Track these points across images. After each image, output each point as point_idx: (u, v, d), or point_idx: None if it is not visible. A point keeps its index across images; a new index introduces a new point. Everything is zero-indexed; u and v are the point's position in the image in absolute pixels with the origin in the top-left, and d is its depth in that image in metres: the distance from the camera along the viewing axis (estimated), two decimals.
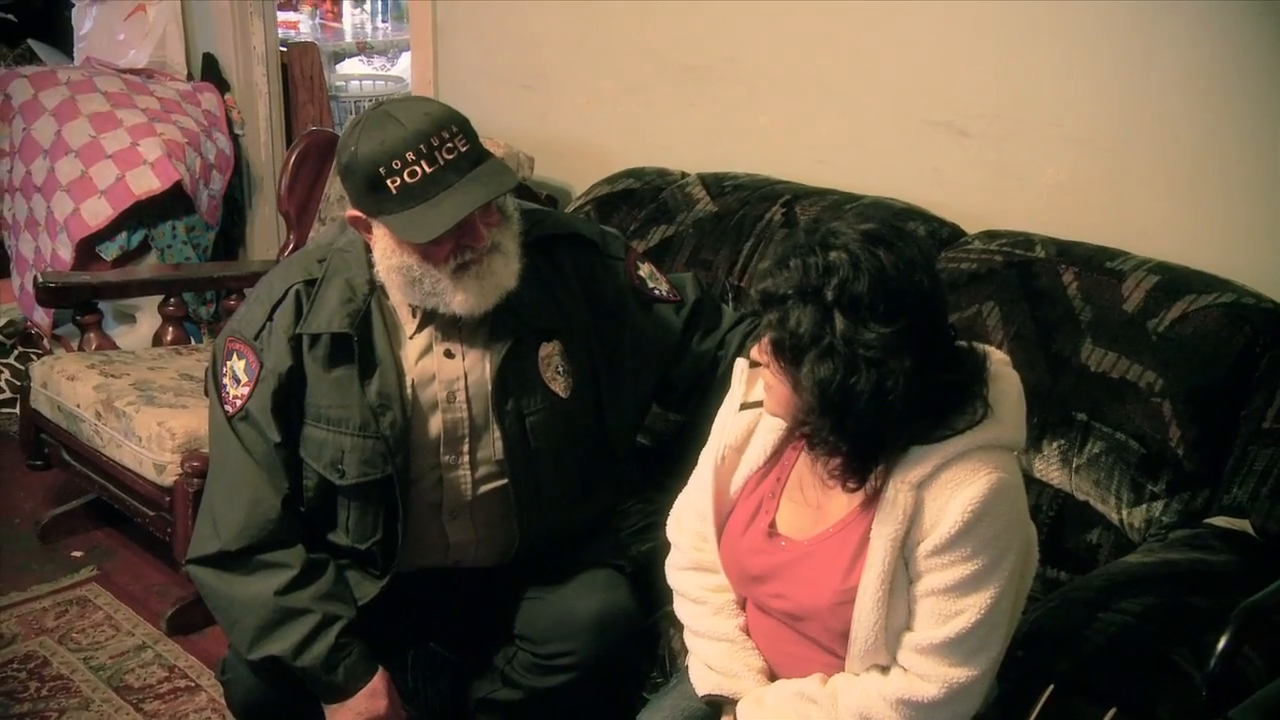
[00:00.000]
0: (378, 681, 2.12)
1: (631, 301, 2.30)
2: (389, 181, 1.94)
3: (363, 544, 2.16)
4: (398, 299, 2.11)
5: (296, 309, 2.11)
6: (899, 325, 1.61)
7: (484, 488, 2.16)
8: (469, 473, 2.15)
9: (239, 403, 2.11)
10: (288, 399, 2.11)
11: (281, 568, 2.08)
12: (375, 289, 2.10)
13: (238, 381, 2.12)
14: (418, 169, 1.93)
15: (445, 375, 2.12)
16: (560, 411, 2.17)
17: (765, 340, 1.70)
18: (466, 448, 2.14)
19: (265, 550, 2.09)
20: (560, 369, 2.17)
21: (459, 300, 2.03)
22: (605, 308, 2.25)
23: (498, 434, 2.13)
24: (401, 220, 1.96)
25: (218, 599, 2.14)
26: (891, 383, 1.61)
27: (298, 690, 2.12)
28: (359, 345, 2.08)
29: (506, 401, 2.12)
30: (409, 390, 2.11)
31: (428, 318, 2.11)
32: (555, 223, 2.27)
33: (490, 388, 2.12)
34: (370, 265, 2.09)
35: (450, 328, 2.11)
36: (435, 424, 2.13)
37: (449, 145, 1.95)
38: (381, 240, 2.03)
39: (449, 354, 2.12)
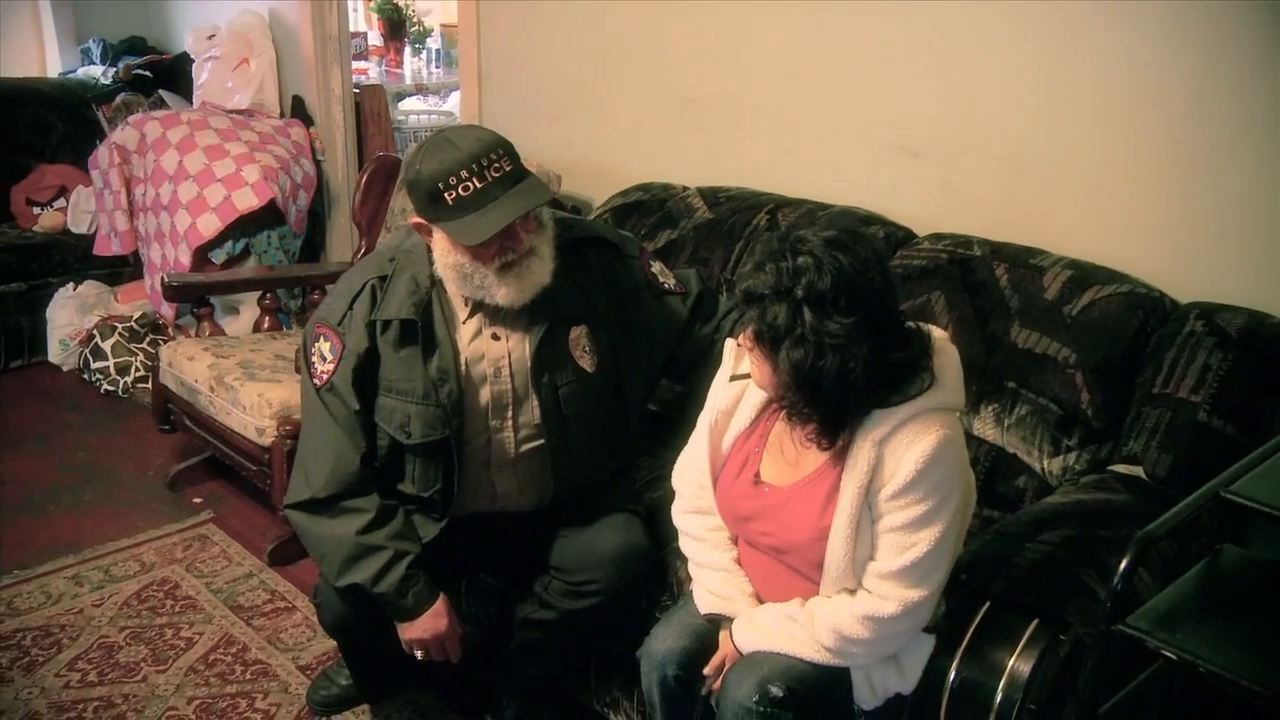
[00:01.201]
0: (440, 605, 2.11)
1: (645, 293, 2.28)
2: (446, 194, 1.92)
3: (425, 492, 2.15)
4: (453, 291, 2.09)
5: (372, 300, 2.10)
6: (857, 316, 1.62)
7: (525, 447, 2.15)
8: (512, 434, 2.13)
9: (325, 377, 2.10)
10: (365, 374, 2.09)
11: (360, 512, 2.08)
12: (435, 283, 2.09)
13: (324, 359, 2.11)
14: (470, 184, 1.91)
15: (492, 354, 2.10)
16: (587, 384, 2.15)
17: (749, 330, 1.70)
18: (510, 414, 2.13)
19: (347, 498, 2.09)
20: (587, 349, 2.15)
21: (502, 293, 2.02)
22: (623, 298, 2.23)
23: (536, 403, 2.12)
24: (456, 226, 1.95)
25: (310, 537, 2.13)
26: (853, 364, 1.61)
27: (375, 611, 2.12)
28: (422, 329, 2.07)
29: (543, 376, 2.11)
30: (463, 367, 2.09)
31: (477, 307, 2.10)
32: (583, 228, 2.25)
33: (529, 364, 2.10)
34: (431, 263, 2.08)
35: (496, 315, 2.10)
36: (484, 394, 2.11)
37: (496, 165, 1.93)
38: (440, 242, 2.02)
39: (495, 337, 2.11)
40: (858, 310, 1.61)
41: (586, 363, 2.15)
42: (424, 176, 1.94)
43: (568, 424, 2.14)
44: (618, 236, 2.32)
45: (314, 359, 2.13)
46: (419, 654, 2.16)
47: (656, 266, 2.34)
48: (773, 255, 1.66)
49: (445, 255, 2.01)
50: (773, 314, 1.64)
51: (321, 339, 2.12)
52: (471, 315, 2.10)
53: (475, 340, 2.10)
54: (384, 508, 2.10)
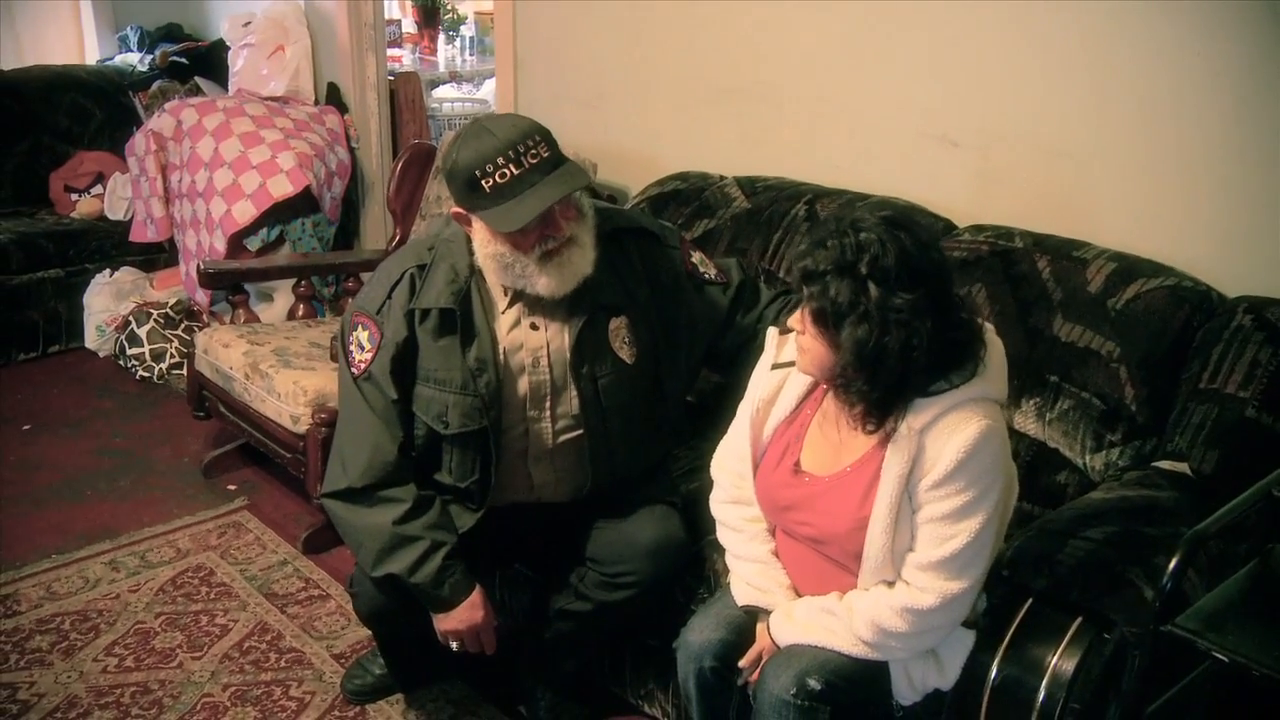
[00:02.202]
0: (476, 595, 2.12)
1: (686, 284, 2.26)
2: (483, 182, 1.92)
3: (462, 483, 2.14)
4: (492, 280, 2.08)
5: (411, 289, 2.09)
6: (920, 293, 1.62)
7: (563, 438, 2.14)
8: (550, 425, 2.13)
9: (363, 366, 2.10)
10: (403, 363, 2.09)
11: (397, 502, 2.08)
12: (474, 272, 2.08)
13: (362, 348, 2.11)
14: (507, 171, 1.91)
15: (531, 344, 2.10)
16: (626, 375, 2.14)
17: (805, 311, 1.69)
18: (548, 404, 2.12)
19: (384, 488, 2.09)
20: (627, 340, 2.14)
21: (543, 283, 2.01)
22: (664, 289, 2.21)
23: (574, 393, 2.11)
24: (494, 214, 1.94)
25: (346, 526, 2.13)
26: (917, 340, 1.62)
27: (411, 601, 2.12)
28: (461, 319, 2.06)
29: (582, 366, 2.10)
30: (501, 356, 2.08)
31: (516, 296, 2.09)
32: (624, 218, 2.24)
33: (568, 355, 2.09)
34: (470, 253, 2.07)
35: (536, 304, 2.09)
36: (523, 384, 2.10)
37: (533, 151, 1.92)
38: (479, 232, 2.01)
39: (534, 326, 2.10)
40: (921, 286, 1.62)
41: (626, 354, 2.13)
42: (461, 165, 1.94)
43: (606, 415, 2.13)
44: (658, 227, 2.30)
45: (352, 348, 2.13)
46: (454, 645, 2.16)
47: (697, 256, 2.32)
48: (832, 234, 1.66)
49: (485, 245, 2.01)
50: (835, 290, 1.63)
51: (359, 328, 2.12)
52: (511, 305, 2.10)
53: (514, 330, 2.09)
54: (421, 498, 2.10)
